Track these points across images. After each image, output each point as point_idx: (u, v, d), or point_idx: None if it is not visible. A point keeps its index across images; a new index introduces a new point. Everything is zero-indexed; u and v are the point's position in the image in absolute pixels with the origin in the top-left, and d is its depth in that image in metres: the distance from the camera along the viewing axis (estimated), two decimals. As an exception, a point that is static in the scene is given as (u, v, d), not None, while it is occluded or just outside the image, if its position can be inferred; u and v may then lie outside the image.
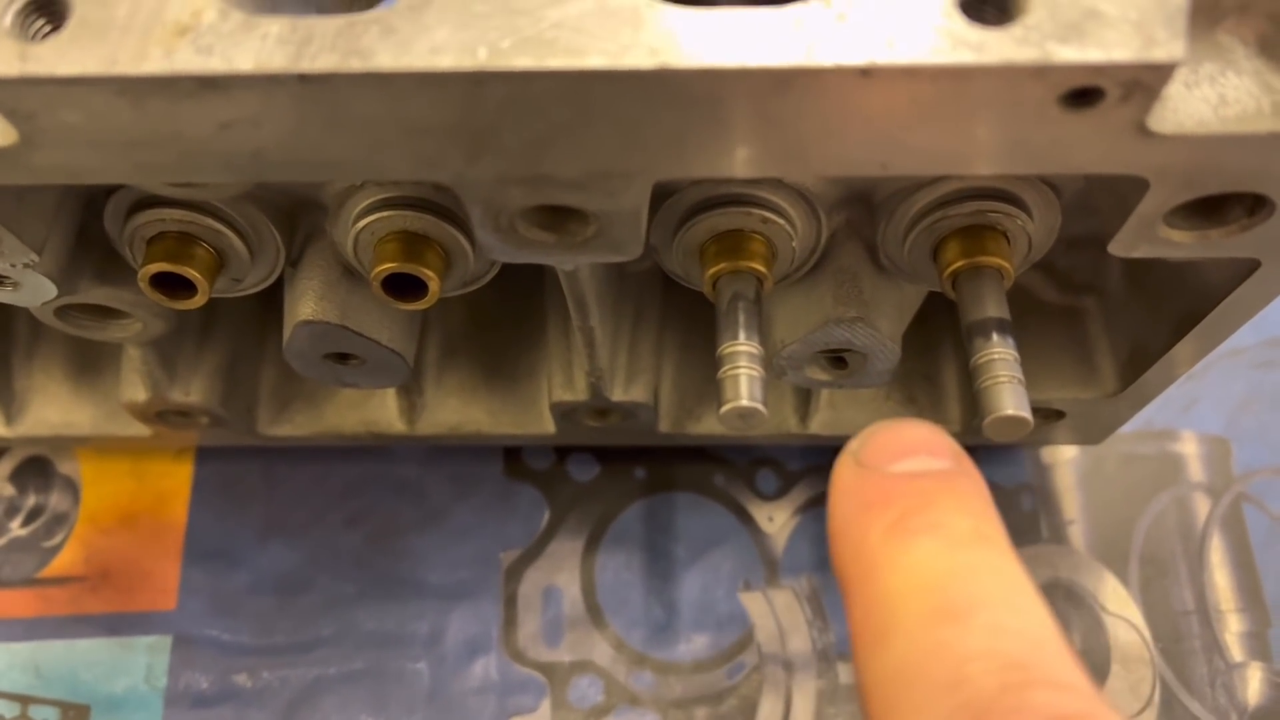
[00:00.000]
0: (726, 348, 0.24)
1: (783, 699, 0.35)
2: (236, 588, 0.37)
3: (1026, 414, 0.22)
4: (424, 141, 0.19)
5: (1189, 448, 0.39)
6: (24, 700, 0.36)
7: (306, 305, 0.27)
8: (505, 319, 0.36)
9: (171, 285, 0.25)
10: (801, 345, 0.27)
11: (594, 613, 0.37)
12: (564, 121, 0.18)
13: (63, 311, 0.28)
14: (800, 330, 0.27)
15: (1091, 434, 0.34)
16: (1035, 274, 0.32)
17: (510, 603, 0.37)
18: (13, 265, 0.24)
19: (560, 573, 0.37)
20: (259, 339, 0.35)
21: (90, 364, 0.36)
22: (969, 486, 0.19)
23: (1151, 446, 0.39)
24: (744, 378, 0.23)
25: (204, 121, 0.18)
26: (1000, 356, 0.23)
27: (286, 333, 0.28)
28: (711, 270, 0.25)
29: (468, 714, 0.35)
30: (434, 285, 0.25)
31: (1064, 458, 0.39)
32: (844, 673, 0.35)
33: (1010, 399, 0.22)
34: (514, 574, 0.37)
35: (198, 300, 0.26)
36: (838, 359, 0.29)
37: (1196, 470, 0.39)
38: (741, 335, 0.24)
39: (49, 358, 0.36)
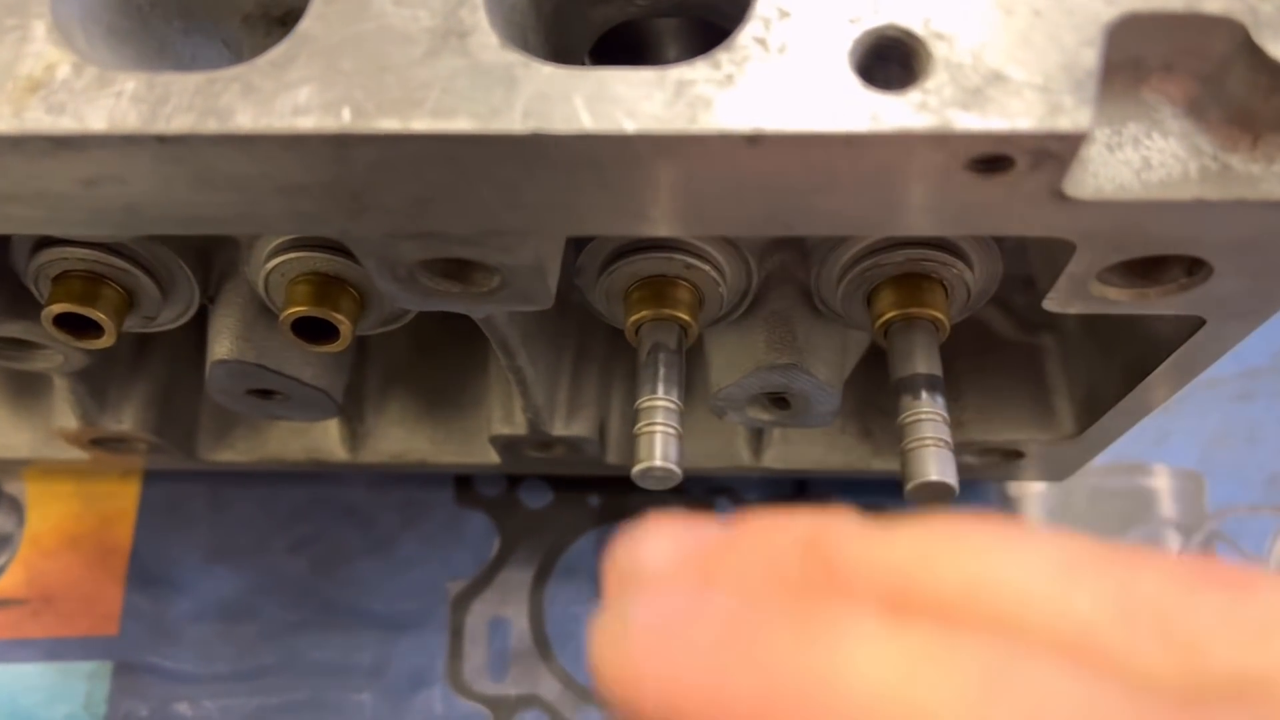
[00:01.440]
0: (643, 402, 0.23)
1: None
2: (180, 614, 0.37)
3: (951, 480, 0.21)
4: (301, 199, 0.18)
5: (1161, 482, 0.38)
6: (-38, 726, 0.35)
7: (223, 344, 0.26)
8: (448, 347, 0.35)
9: (78, 325, 0.25)
10: (737, 389, 0.26)
11: (541, 645, 0.36)
12: (441, 182, 0.17)
13: (-18, 342, 0.28)
14: (735, 374, 0.26)
15: (1054, 472, 0.33)
16: (993, 309, 0.31)
17: (457, 634, 0.36)
18: (-94, 307, 0.23)
19: (508, 604, 0.36)
20: (196, 364, 0.34)
21: (27, 387, 0.35)
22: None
23: (1122, 481, 0.38)
24: (659, 436, 0.22)
25: (66, 178, 0.17)
26: (927, 417, 0.22)
27: (207, 370, 0.27)
28: (634, 317, 0.24)
29: (408, 749, 0.35)
30: (345, 329, 0.24)
31: (1032, 491, 0.38)
32: None
33: (934, 464, 0.21)
34: (461, 604, 0.36)
35: (105, 340, 0.25)
36: (779, 399, 0.28)
37: (1168, 506, 0.37)
38: (660, 389, 0.23)
39: (-14, 380, 0.35)
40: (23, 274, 0.25)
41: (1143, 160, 0.17)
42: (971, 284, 0.23)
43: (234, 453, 0.35)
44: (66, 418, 0.32)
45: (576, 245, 0.24)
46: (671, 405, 0.22)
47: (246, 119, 0.16)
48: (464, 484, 0.38)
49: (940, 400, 0.22)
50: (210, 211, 0.18)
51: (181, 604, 0.37)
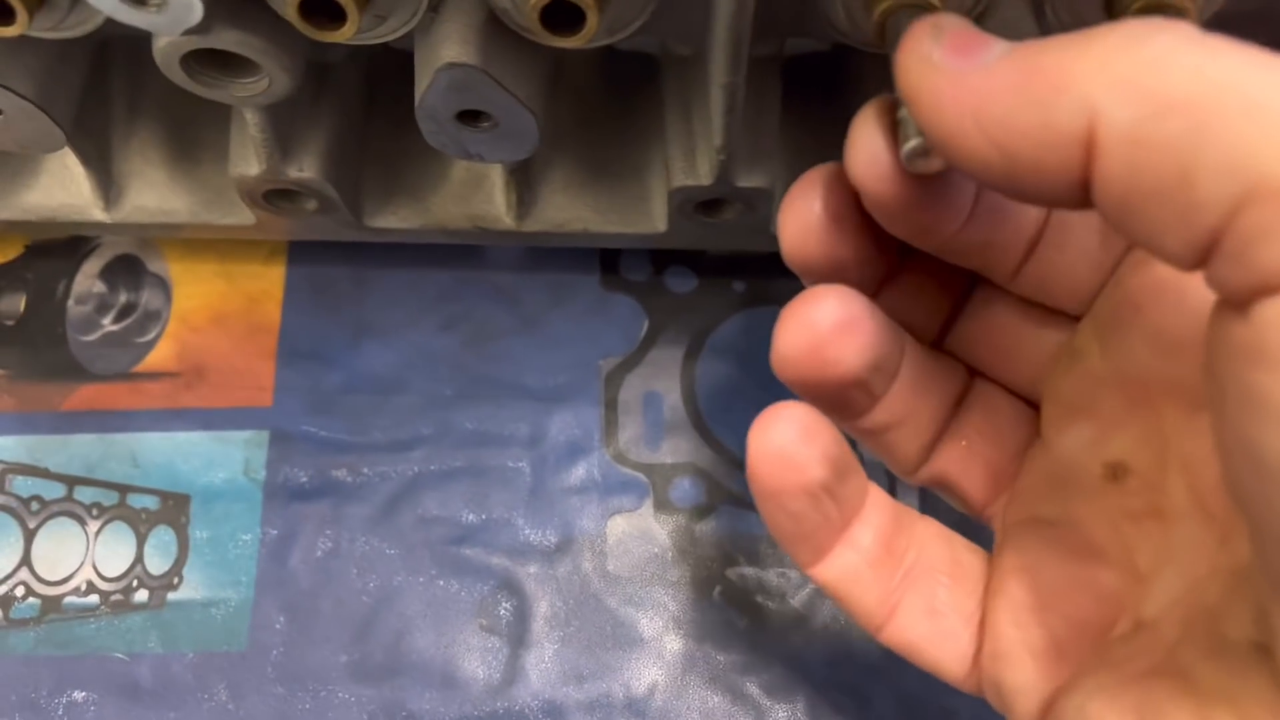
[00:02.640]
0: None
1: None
2: (332, 387, 0.37)
3: None
4: None
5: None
6: (122, 489, 0.36)
7: (450, 47, 0.26)
8: (611, 115, 0.35)
9: (319, 14, 0.25)
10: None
11: (695, 419, 0.36)
12: None
13: (188, 61, 0.28)
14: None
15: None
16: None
17: (610, 407, 0.37)
18: (166, -26, 0.23)
19: (660, 380, 0.37)
20: (364, 126, 0.34)
21: (189, 149, 0.35)
22: None
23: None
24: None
25: None
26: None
27: (422, 84, 0.27)
28: (881, 6, 0.24)
29: (570, 511, 0.35)
30: (593, 16, 0.24)
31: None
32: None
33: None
34: (614, 380, 0.37)
35: (346, 31, 0.25)
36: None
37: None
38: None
39: (147, 141, 0.35)
40: (260, -36, 0.25)
41: None
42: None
43: (396, 219, 0.35)
44: (248, 163, 0.32)
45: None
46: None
47: None
48: (609, 270, 0.38)
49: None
50: None
51: (333, 378, 0.37)
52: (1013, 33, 0.25)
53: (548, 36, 0.25)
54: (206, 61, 0.28)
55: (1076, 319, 0.24)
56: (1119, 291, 0.22)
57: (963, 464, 0.25)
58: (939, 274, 0.25)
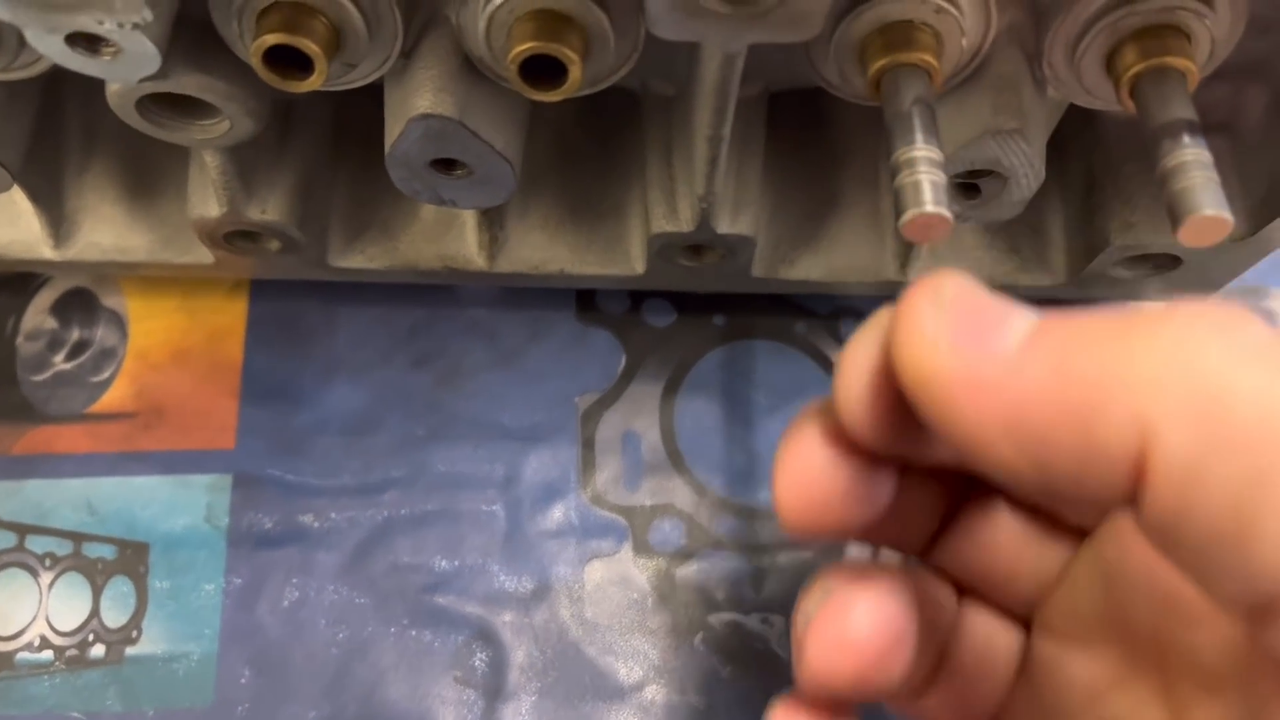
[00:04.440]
0: (904, 153, 0.22)
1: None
2: (299, 428, 0.36)
3: (1227, 214, 0.21)
4: None
5: (1278, 305, 0.38)
6: (77, 538, 0.34)
7: (424, 97, 0.25)
8: (591, 154, 0.34)
9: (284, 64, 0.23)
10: (951, 163, 0.26)
11: (674, 458, 0.36)
12: None
13: (145, 104, 0.26)
14: (949, 146, 0.25)
15: (1208, 282, 0.33)
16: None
17: (588, 446, 0.36)
18: (120, 25, 0.21)
19: (639, 417, 0.36)
20: (331, 163, 0.33)
21: (147, 184, 0.33)
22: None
23: (1243, 304, 0.38)
24: (926, 183, 0.21)
25: None
26: (1194, 158, 0.22)
27: (394, 132, 0.26)
28: (878, 64, 0.23)
29: (547, 557, 0.34)
30: (575, 71, 0.23)
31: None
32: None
33: (1210, 199, 0.21)
34: (591, 417, 0.36)
35: (313, 81, 0.23)
36: (970, 186, 0.27)
37: (1283, 333, 0.38)
38: (919, 139, 0.22)
39: (103, 176, 0.33)
40: (223, 11, 0.23)
41: None
42: (1216, 37, 0.23)
43: (364, 258, 0.34)
44: (208, 204, 0.30)
45: None
46: (935, 155, 0.22)
47: None
48: (586, 303, 0.37)
49: (1203, 142, 0.22)
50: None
51: (301, 417, 0.36)
52: (1009, 89, 0.24)
53: (528, 90, 0.23)
54: (165, 103, 0.26)
55: (1080, 535, 0.21)
56: (1124, 526, 0.19)
57: (948, 706, 0.22)
58: (933, 485, 0.22)
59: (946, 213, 0.21)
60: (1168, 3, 0.22)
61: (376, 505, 0.35)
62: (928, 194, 0.21)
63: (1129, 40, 0.23)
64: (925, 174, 0.21)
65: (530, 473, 0.35)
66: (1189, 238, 0.21)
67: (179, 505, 0.35)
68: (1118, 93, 0.23)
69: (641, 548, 0.34)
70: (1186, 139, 0.22)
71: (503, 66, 0.23)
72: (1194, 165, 0.21)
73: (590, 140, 0.34)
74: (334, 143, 0.33)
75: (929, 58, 0.23)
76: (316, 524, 0.34)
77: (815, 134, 0.33)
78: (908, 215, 0.21)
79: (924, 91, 0.22)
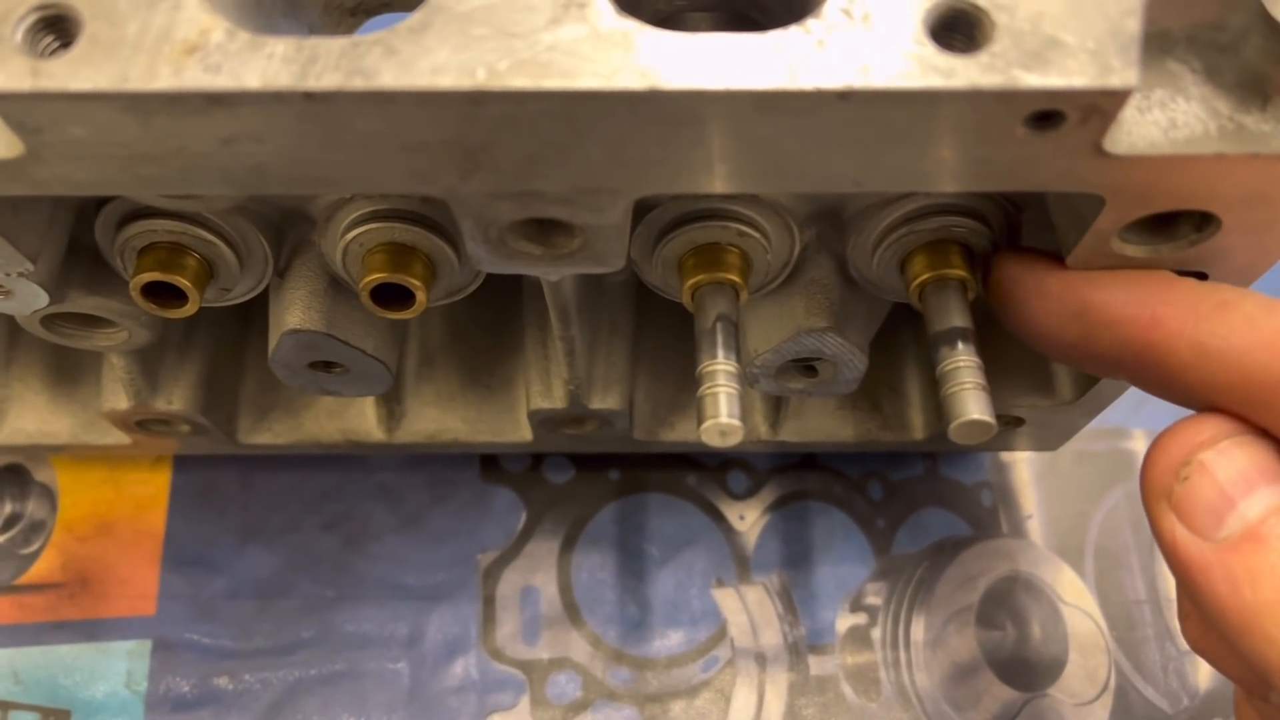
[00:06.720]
0: (706, 366, 0.24)
1: (756, 691, 0.36)
2: (216, 593, 0.38)
3: (990, 418, 0.23)
4: (420, 158, 0.20)
5: (1139, 445, 0.41)
6: (3, 706, 0.36)
7: (294, 314, 0.27)
8: (482, 330, 0.37)
9: (162, 295, 0.26)
10: (774, 354, 0.28)
11: (571, 611, 0.37)
12: (555, 140, 0.19)
13: (49, 321, 0.29)
14: (773, 340, 0.28)
15: (1049, 440, 0.36)
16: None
17: (489, 603, 0.37)
18: (7, 274, 0.24)
19: (537, 573, 0.38)
20: (238, 349, 0.36)
21: (68, 373, 0.36)
22: None
23: (1104, 444, 0.41)
24: (723, 395, 0.24)
25: (208, 137, 0.19)
26: (965, 364, 0.24)
27: (273, 342, 0.28)
28: (690, 281, 0.26)
29: (448, 712, 0.36)
30: (421, 295, 0.26)
31: (1021, 456, 0.40)
32: (814, 665, 0.36)
33: (975, 404, 0.23)
34: (492, 575, 0.38)
35: (188, 309, 0.26)
36: (808, 367, 0.30)
37: (1149, 471, 0.40)
38: (720, 354, 0.24)
39: (26, 367, 0.36)
40: (107, 249, 0.26)
41: (1169, 121, 0.20)
42: (990, 248, 0.26)
43: (271, 435, 0.36)
44: (118, 398, 0.33)
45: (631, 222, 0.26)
46: (732, 368, 0.24)
47: (390, 78, 0.18)
48: (489, 463, 0.40)
49: (974, 349, 0.24)
50: (331, 171, 0.20)
51: (217, 583, 0.38)
52: (820, 292, 0.27)
53: (379, 311, 0.26)
54: (68, 317, 0.29)
55: None
56: None
57: None
58: None
59: (738, 422, 0.23)
60: (944, 221, 0.25)
61: (287, 666, 0.37)
62: (723, 406, 0.24)
63: (918, 251, 0.26)
64: (723, 387, 0.24)
65: (433, 630, 0.37)
66: (958, 436, 0.24)
67: (100, 672, 0.36)
68: (909, 296, 0.26)
69: (539, 701, 0.36)
70: (960, 345, 0.24)
71: (357, 293, 0.26)
72: (964, 370, 0.24)
73: (480, 318, 0.37)
74: (240, 332, 0.36)
75: (734, 276, 0.25)
76: (231, 686, 0.36)
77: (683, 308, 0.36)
78: (706, 424, 0.24)
79: (727, 308, 0.25)
